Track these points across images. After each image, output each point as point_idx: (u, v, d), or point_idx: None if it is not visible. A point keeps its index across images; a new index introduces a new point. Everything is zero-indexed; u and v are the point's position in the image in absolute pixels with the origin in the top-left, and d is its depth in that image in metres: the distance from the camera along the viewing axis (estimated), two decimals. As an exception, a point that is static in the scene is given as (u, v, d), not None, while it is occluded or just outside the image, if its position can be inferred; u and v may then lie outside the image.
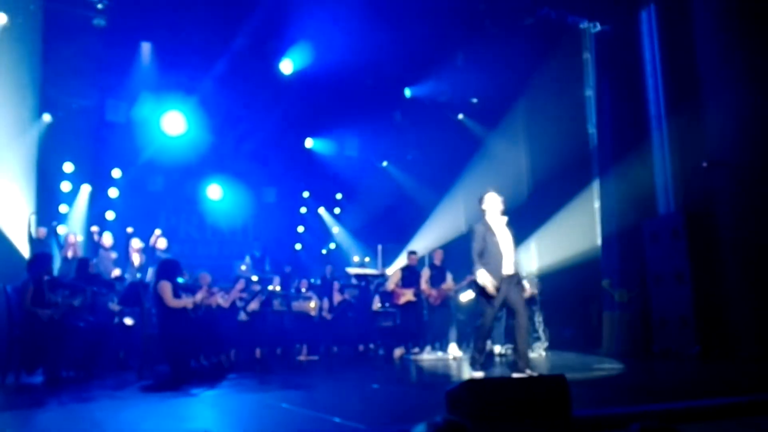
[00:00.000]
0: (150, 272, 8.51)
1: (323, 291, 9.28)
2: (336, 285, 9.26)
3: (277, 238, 12.34)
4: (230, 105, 10.61)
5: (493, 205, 5.66)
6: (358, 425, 3.39)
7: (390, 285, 8.88)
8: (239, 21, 9.30)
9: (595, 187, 9.13)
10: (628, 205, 8.40)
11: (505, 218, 5.68)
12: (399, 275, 8.84)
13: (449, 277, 8.83)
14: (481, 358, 5.72)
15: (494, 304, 5.49)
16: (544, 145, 10.22)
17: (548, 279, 9.91)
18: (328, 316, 8.94)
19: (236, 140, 11.26)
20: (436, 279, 8.73)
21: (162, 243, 8.99)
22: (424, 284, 8.65)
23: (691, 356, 7.13)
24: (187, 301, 6.18)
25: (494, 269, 5.44)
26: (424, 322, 8.70)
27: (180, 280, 6.54)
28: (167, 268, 6.37)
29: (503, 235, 5.60)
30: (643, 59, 8.43)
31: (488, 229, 5.57)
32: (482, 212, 5.71)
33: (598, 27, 9.01)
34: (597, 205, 9.10)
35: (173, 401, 4.81)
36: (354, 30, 9.21)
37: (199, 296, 6.45)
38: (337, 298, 9.16)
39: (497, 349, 8.85)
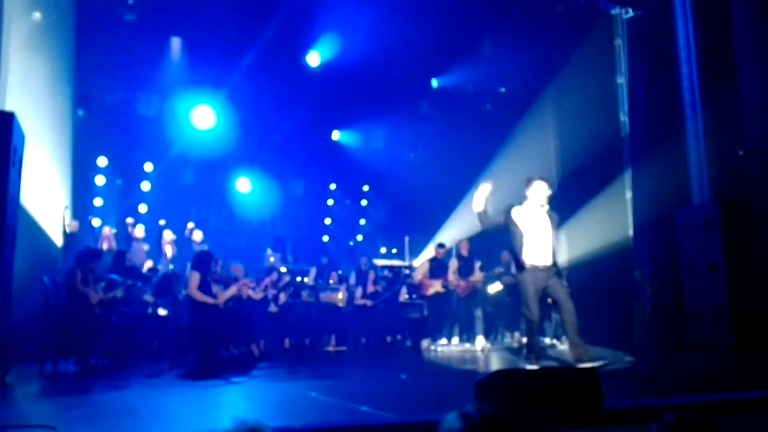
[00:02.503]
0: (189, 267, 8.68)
1: (359, 281, 9.31)
2: (371, 275, 9.30)
3: (305, 230, 12.44)
4: (258, 98, 10.69)
5: (538, 194, 5.46)
6: (387, 414, 3.41)
7: (417, 276, 8.88)
8: (266, 14, 9.36)
9: (627, 176, 8.97)
10: (660, 194, 8.24)
11: (547, 208, 5.50)
12: (427, 266, 8.85)
13: (477, 267, 8.79)
14: (533, 354, 5.44)
15: (530, 293, 5.30)
16: (574, 134, 10.06)
17: (579, 270, 9.78)
18: (361, 302, 8.97)
19: (264, 133, 11.35)
20: (464, 270, 8.71)
21: (197, 235, 9.15)
22: (451, 275, 8.63)
23: (725, 348, 6.98)
24: (207, 299, 6.27)
25: (529, 257, 5.34)
26: (451, 314, 8.69)
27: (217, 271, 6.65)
28: (199, 260, 6.53)
29: (541, 226, 5.43)
30: (676, 45, 8.22)
31: (522, 215, 5.43)
32: (525, 198, 5.51)
33: (631, 12, 8.81)
34: (629, 194, 8.94)
35: (205, 389, 4.90)
36: (380, 21, 9.18)
37: (229, 294, 6.55)
38: (370, 288, 9.21)
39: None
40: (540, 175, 5.61)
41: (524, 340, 8.62)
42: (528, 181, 5.55)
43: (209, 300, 6.27)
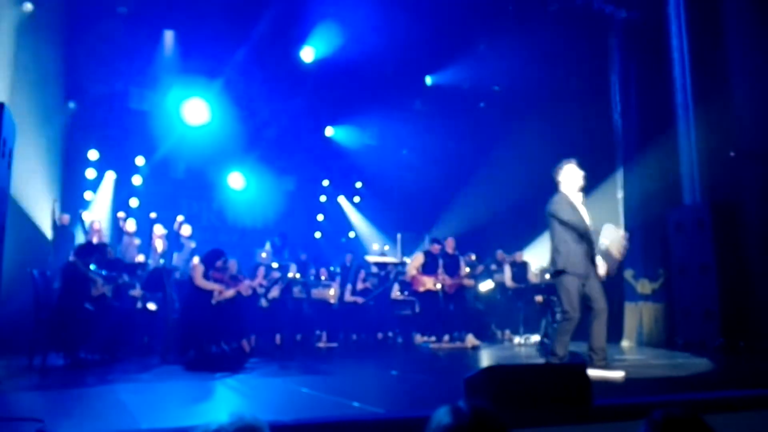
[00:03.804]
0: (175, 257, 8.63)
1: (343, 278, 9.32)
2: (362, 274, 9.29)
3: (297, 227, 12.41)
4: (251, 93, 10.66)
5: (572, 178, 5.06)
6: (377, 410, 3.41)
7: (411, 270, 8.85)
8: (261, 9, 9.33)
9: (619, 176, 9.00)
10: (652, 194, 8.27)
11: (581, 195, 5.10)
12: (421, 260, 8.81)
13: (463, 265, 8.83)
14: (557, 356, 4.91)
15: (574, 291, 4.81)
16: (567, 133, 10.09)
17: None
18: (352, 299, 8.97)
19: (257, 128, 11.31)
20: (450, 267, 8.73)
21: (186, 230, 9.10)
22: (441, 273, 8.67)
23: (715, 348, 7.03)
24: (215, 286, 6.36)
25: (583, 249, 4.86)
26: (444, 311, 8.71)
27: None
28: (207, 255, 6.65)
29: (584, 213, 5.01)
30: (670, 46, 8.26)
31: (568, 201, 4.98)
32: (557, 184, 5.05)
33: (625, 13, 8.83)
34: (620, 194, 8.97)
35: (196, 384, 4.88)
36: (374, 18, 9.17)
37: (230, 293, 6.56)
38: (360, 286, 9.21)
39: (516, 339, 8.83)
40: (567, 159, 5.19)
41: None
42: (558, 167, 5.16)
43: (216, 287, 6.39)
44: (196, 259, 7.10)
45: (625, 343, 8.29)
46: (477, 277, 9.51)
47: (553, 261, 5.05)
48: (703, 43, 7.81)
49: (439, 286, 8.46)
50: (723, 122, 7.39)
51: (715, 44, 7.50)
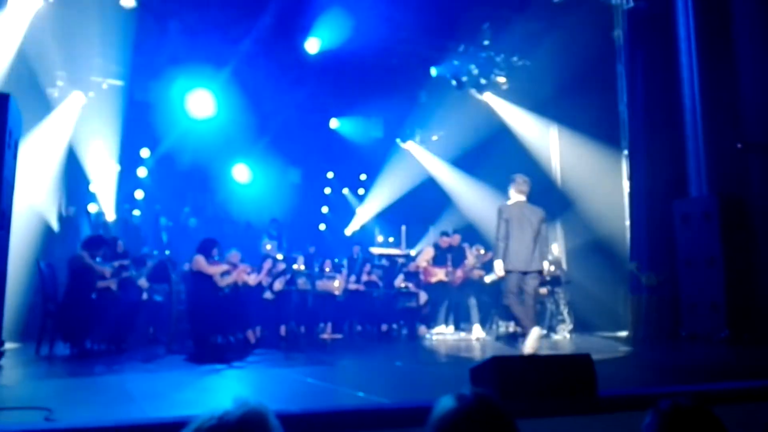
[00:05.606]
0: None
1: (350, 270, 9.31)
2: (367, 267, 9.31)
3: (302, 219, 12.42)
4: (256, 85, 10.63)
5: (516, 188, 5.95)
6: (382, 399, 3.42)
7: (421, 262, 8.90)
8: (265, 1, 9.28)
9: (625, 167, 8.96)
10: (658, 186, 8.23)
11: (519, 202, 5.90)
12: (431, 253, 8.86)
13: (470, 256, 8.84)
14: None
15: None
16: (572, 124, 10.05)
17: (574, 260, 9.80)
18: (354, 287, 8.98)
19: (262, 120, 11.30)
20: (456, 259, 8.76)
21: (192, 222, 9.13)
22: (450, 266, 8.69)
23: (720, 341, 7.01)
24: (222, 266, 6.56)
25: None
26: (451, 303, 8.73)
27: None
28: (202, 245, 6.66)
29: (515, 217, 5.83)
30: (677, 36, 8.18)
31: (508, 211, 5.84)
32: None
33: (632, 3, 8.75)
34: (626, 186, 8.93)
35: (201, 374, 4.91)
36: (380, 9, 9.12)
37: (229, 281, 6.59)
38: (365, 278, 9.22)
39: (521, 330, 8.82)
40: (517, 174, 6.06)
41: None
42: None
43: (224, 266, 6.53)
44: None
45: (629, 335, 8.27)
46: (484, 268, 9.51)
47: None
48: (710, 34, 7.73)
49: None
50: (730, 113, 7.33)
51: (723, 35, 7.42)
